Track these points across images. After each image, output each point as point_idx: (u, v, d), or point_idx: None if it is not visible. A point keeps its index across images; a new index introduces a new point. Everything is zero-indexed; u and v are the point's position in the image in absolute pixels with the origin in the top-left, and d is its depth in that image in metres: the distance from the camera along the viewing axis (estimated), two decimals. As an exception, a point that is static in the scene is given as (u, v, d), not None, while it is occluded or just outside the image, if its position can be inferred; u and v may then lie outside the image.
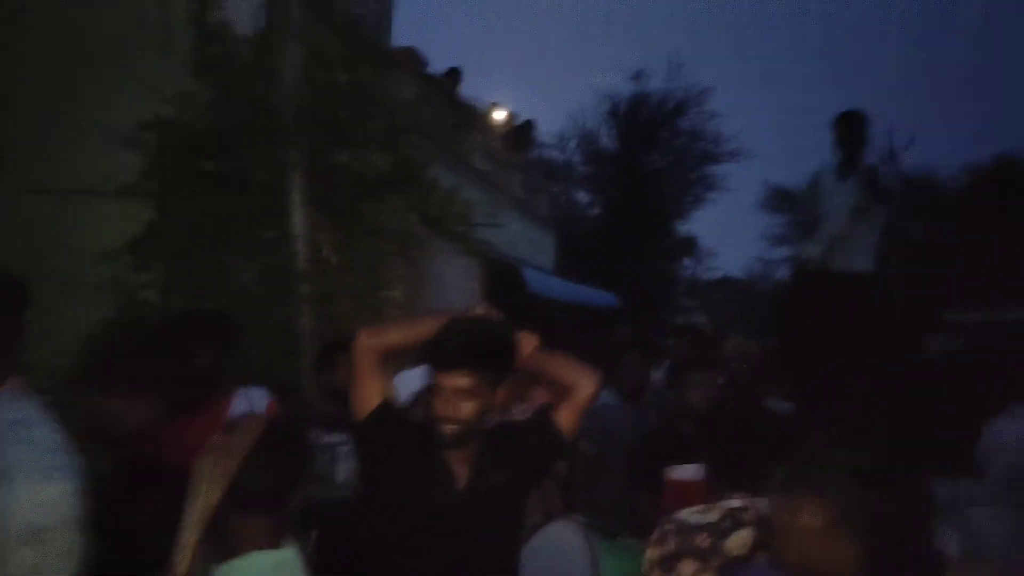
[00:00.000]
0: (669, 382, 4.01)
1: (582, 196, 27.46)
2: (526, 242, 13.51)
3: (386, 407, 2.23)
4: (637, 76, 25.20)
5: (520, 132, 14.32)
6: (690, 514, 2.14)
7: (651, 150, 25.70)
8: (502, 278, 9.35)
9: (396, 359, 2.48)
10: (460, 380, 2.07)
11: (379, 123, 5.02)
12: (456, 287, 7.14)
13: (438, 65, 11.07)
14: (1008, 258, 17.57)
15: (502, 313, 2.33)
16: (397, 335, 2.32)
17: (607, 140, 26.31)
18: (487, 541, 2.19)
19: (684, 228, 27.65)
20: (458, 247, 6.28)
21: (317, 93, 4.96)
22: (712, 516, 2.10)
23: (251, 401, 3.32)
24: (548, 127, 28.88)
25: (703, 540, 2.05)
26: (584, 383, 2.25)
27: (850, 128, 4.95)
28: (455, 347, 2.11)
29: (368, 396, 2.21)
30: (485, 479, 2.17)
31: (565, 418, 2.24)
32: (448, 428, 2.09)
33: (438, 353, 2.12)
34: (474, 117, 11.03)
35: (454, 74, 11.13)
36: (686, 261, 29.14)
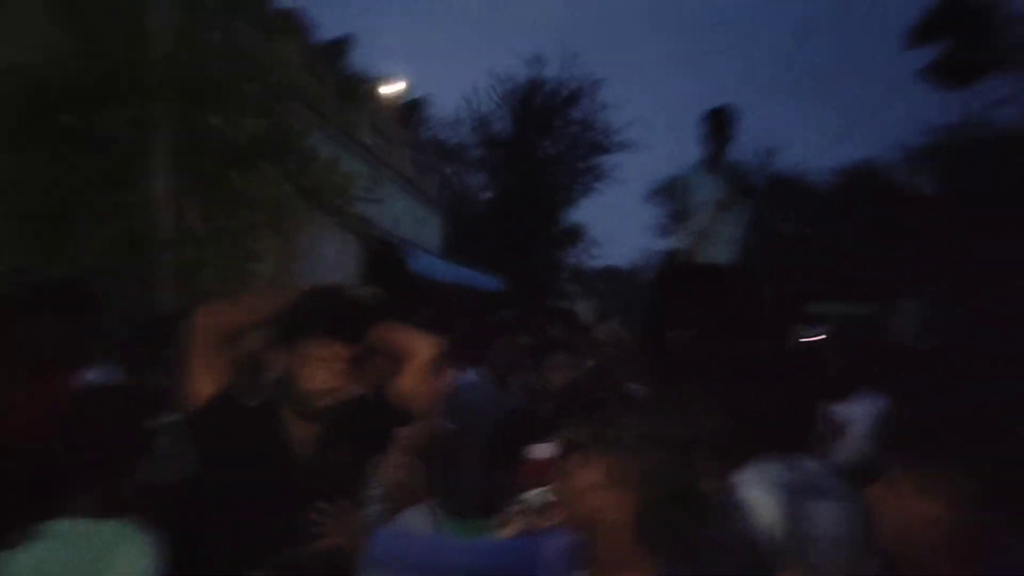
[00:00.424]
0: (534, 363, 4.04)
1: (474, 179, 27.48)
2: (412, 221, 13.35)
3: (225, 397, 2.07)
4: (533, 62, 25.39)
5: (411, 109, 14.09)
6: (536, 494, 2.15)
7: (544, 137, 25.94)
8: (382, 257, 9.17)
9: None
10: (342, 349, 2.03)
11: (255, 86, 4.77)
12: (332, 263, 6.95)
13: (330, 33, 10.74)
14: (868, 256, 18.89)
15: (381, 291, 2.31)
16: (239, 313, 2.15)
17: (501, 124, 26.39)
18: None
19: (572, 216, 28.16)
20: (336, 221, 6.09)
21: (188, 50, 4.67)
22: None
23: (102, 377, 3.13)
24: (442, 107, 28.67)
25: (549, 520, 2.07)
26: (419, 348, 2.21)
27: (716, 125, 5.10)
28: (340, 316, 2.06)
29: (206, 382, 2.05)
30: (329, 453, 2.11)
31: (407, 385, 2.20)
32: (325, 400, 2.03)
33: (324, 321, 2.04)
34: (362, 89, 10.74)
35: (343, 43, 10.80)
36: (572, 249, 29.63)
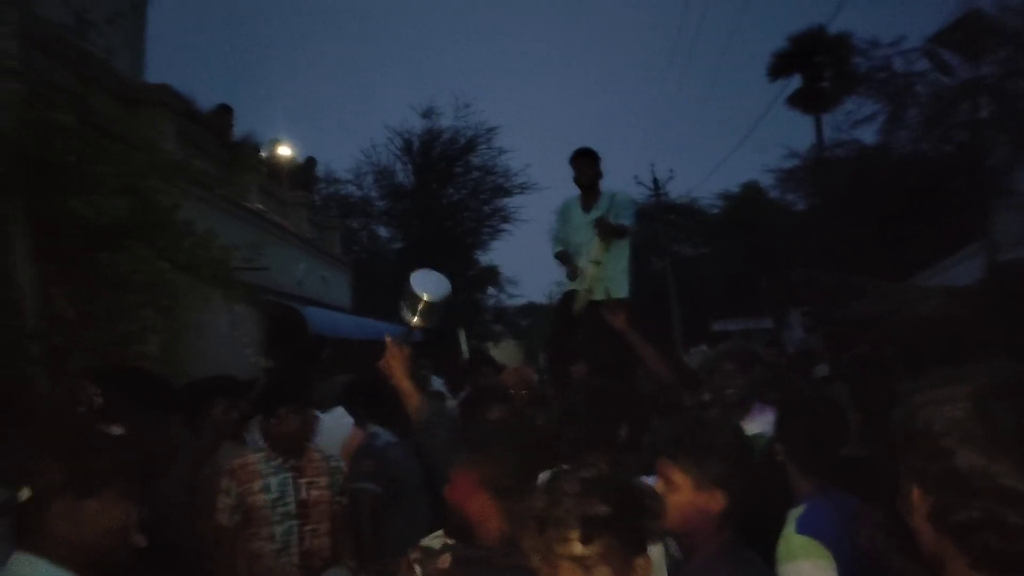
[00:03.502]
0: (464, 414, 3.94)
1: (383, 231, 27.39)
2: (317, 281, 13.13)
3: None
4: (427, 114, 25.59)
5: (303, 170, 13.90)
6: (432, 539, 2.14)
7: (446, 185, 26.11)
8: (281, 323, 8.96)
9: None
10: None
11: (115, 166, 4.60)
12: (226, 335, 6.73)
13: (213, 103, 10.55)
14: (758, 274, 19.67)
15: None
16: None
17: (403, 175, 26.44)
18: None
19: (485, 258, 28.32)
20: (224, 293, 5.90)
21: (38, 135, 4.47)
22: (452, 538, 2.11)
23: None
24: (343, 163, 28.55)
25: (444, 561, 2.05)
26: None
27: (583, 166, 5.27)
28: None
29: None
30: None
31: None
32: None
33: None
34: (248, 155, 10.54)
35: (225, 112, 10.60)
36: (490, 290, 29.74)
